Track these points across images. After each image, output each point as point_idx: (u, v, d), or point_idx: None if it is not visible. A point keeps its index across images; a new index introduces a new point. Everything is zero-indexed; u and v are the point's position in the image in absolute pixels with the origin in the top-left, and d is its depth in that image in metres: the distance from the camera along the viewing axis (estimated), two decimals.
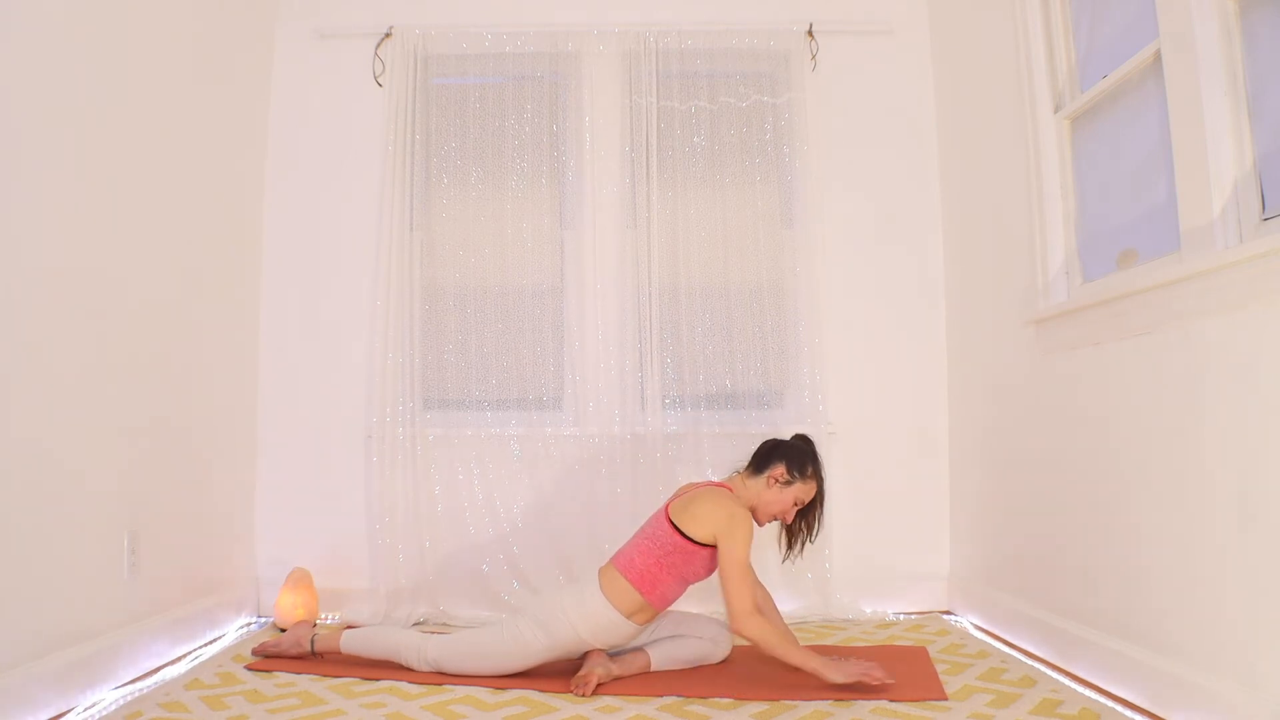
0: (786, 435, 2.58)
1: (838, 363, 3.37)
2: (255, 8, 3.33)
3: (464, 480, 3.29)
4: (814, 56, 3.45)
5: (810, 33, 3.44)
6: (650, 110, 3.37)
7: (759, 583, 2.55)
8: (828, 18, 3.46)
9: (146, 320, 2.56)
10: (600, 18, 3.46)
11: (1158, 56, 2.11)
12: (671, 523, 2.35)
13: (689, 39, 3.42)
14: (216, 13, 3.00)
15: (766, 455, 2.47)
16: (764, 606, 2.55)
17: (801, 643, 2.49)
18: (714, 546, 2.33)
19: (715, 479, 2.59)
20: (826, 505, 3.30)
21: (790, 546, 2.50)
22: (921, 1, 3.53)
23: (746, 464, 2.52)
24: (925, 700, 2.13)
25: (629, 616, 2.32)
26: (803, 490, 2.43)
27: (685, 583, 2.39)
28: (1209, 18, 1.91)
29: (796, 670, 2.25)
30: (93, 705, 2.16)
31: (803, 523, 2.49)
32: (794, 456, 2.44)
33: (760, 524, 2.46)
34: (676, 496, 2.46)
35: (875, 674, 2.18)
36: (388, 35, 3.43)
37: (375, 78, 3.45)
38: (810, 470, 2.44)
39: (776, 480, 2.42)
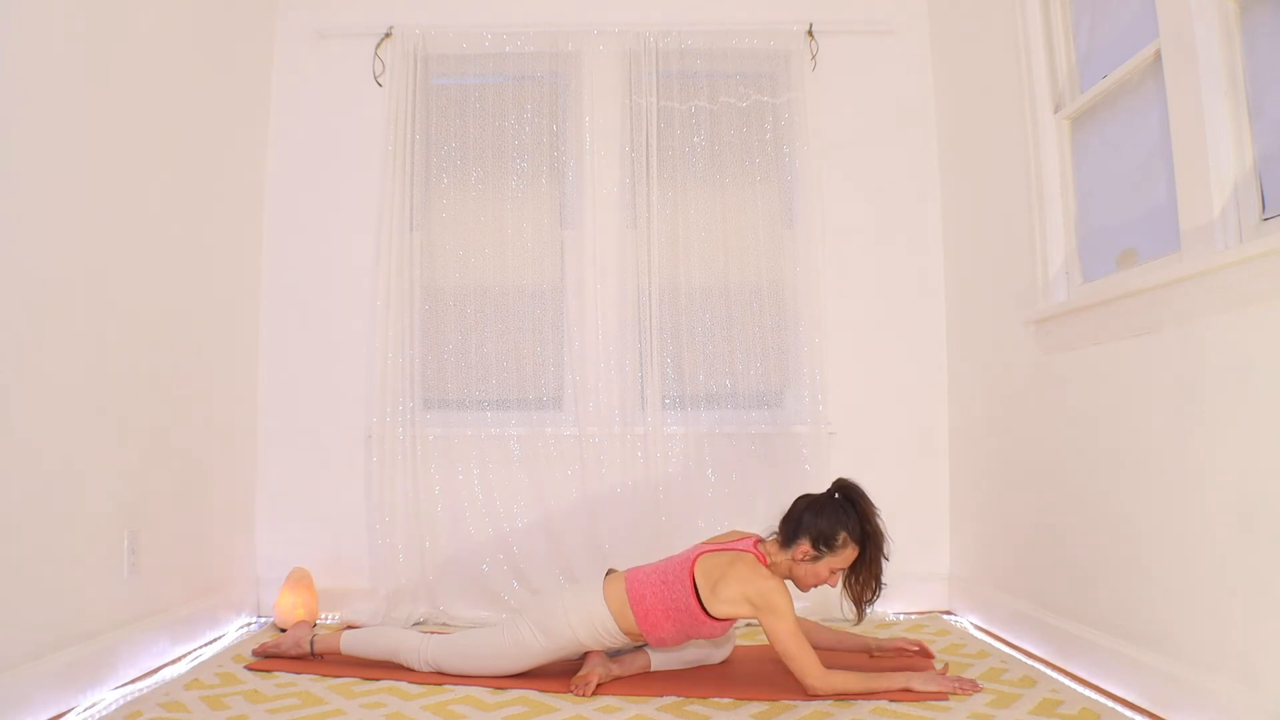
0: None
1: (838, 362, 3.37)
2: (255, 7, 3.33)
3: (464, 480, 3.29)
4: (814, 56, 3.45)
5: (810, 33, 3.44)
6: (650, 110, 3.37)
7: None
8: (828, 18, 3.46)
9: (146, 320, 2.56)
10: (600, 18, 3.46)
11: (1158, 56, 2.11)
12: (695, 586, 2.24)
13: (689, 39, 3.42)
14: (216, 12, 2.99)
15: (795, 526, 2.26)
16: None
17: None
18: (730, 620, 2.25)
19: (750, 533, 2.43)
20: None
21: (857, 606, 2.31)
22: (921, 1, 3.53)
23: (778, 527, 2.33)
24: (925, 700, 2.13)
25: (625, 632, 2.31)
26: (836, 560, 2.23)
27: (687, 637, 2.31)
28: (1209, 18, 1.91)
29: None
30: (93, 705, 2.16)
31: (858, 583, 2.28)
32: (822, 527, 2.22)
33: (804, 591, 2.31)
34: (710, 548, 2.32)
35: (965, 686, 2.18)
36: (388, 35, 3.43)
37: (375, 78, 3.45)
38: (842, 538, 2.21)
39: (802, 558, 2.24)
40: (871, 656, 2.50)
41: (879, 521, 2.26)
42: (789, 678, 2.29)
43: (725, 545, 2.33)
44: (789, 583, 2.31)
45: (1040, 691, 2.20)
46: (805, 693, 2.17)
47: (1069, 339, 2.45)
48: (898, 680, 2.18)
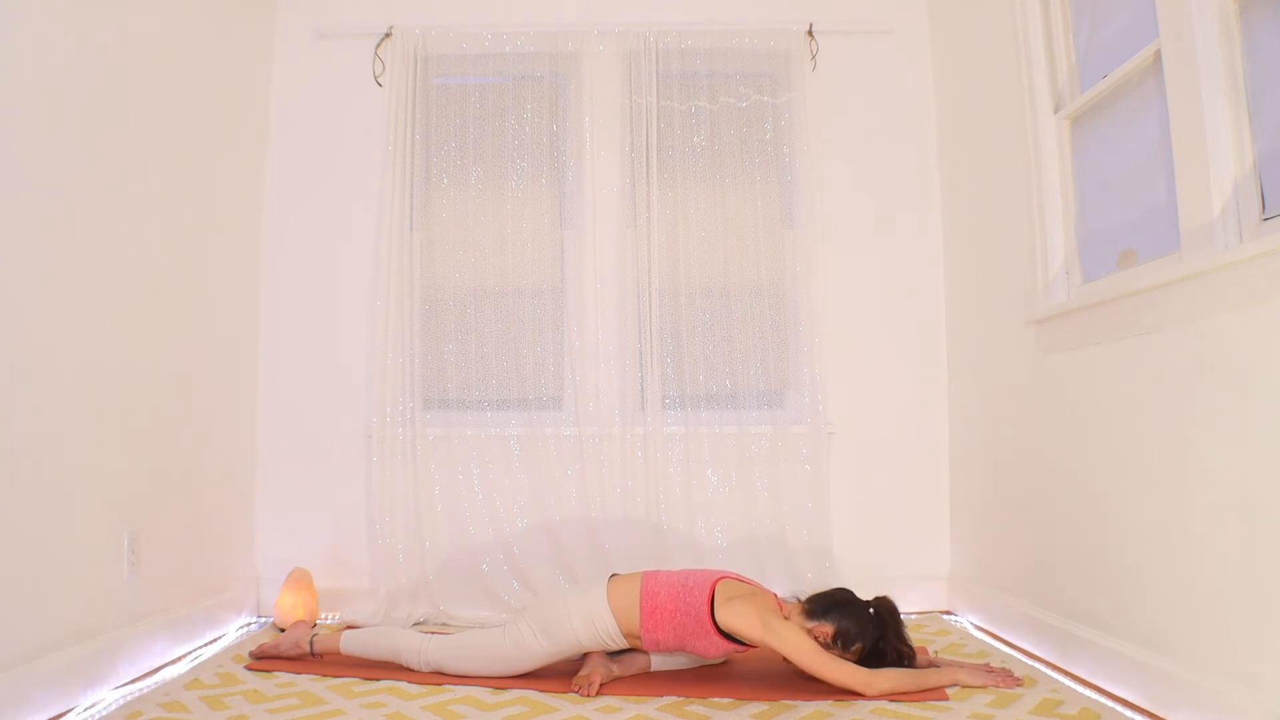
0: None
1: (838, 363, 3.37)
2: (255, 7, 3.33)
3: (464, 480, 3.29)
4: (814, 56, 3.45)
5: (810, 33, 3.44)
6: (650, 110, 3.37)
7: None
8: (828, 18, 3.46)
9: (145, 320, 2.56)
10: (600, 18, 3.46)
11: (1158, 56, 2.11)
12: (711, 597, 2.26)
13: (689, 39, 3.42)
14: (216, 12, 3.00)
15: (826, 608, 2.27)
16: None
17: None
18: (732, 642, 2.25)
19: (769, 590, 2.44)
20: (833, 509, 3.24)
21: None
22: (921, 1, 3.53)
23: (807, 598, 2.34)
24: (925, 700, 2.13)
25: (625, 635, 2.31)
26: (841, 656, 2.24)
27: (681, 646, 2.30)
28: (1209, 18, 1.91)
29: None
30: (93, 705, 2.16)
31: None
32: (849, 629, 2.23)
33: None
34: (736, 576, 2.35)
35: (1008, 680, 2.25)
36: (388, 35, 3.43)
37: (375, 78, 3.45)
38: (857, 648, 2.23)
39: (817, 638, 2.23)
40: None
41: (906, 646, 2.29)
42: (788, 677, 2.29)
43: (750, 582, 2.37)
44: None
45: (1040, 691, 2.20)
46: (865, 697, 2.17)
47: (1069, 339, 2.45)
48: (945, 676, 2.23)
